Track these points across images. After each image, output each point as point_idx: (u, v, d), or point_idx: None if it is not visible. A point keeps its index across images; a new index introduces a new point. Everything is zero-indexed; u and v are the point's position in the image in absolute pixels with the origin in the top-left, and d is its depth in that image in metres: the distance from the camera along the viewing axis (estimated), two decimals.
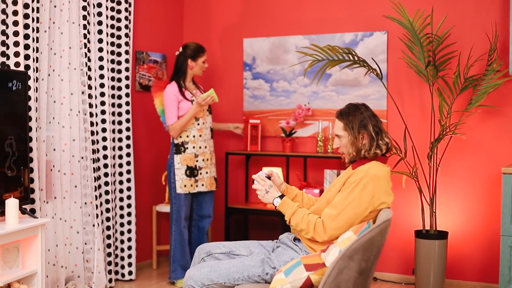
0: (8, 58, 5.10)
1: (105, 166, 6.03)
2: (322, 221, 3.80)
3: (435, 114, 6.00)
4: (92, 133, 5.86)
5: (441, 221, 6.15)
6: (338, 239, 3.56)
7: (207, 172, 6.22)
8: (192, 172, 6.10)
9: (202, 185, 6.19)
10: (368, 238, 3.39)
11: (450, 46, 6.00)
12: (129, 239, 6.34)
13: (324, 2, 6.71)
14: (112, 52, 6.19)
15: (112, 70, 6.19)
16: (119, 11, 6.24)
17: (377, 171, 3.82)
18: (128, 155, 6.32)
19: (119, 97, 6.28)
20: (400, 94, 6.35)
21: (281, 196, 3.98)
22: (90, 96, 5.83)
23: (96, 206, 5.85)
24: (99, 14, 5.99)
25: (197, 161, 6.13)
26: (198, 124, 6.14)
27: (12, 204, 4.62)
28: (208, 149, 6.22)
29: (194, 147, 6.11)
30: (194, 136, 6.11)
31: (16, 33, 5.10)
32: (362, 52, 6.43)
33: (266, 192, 4.00)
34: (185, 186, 6.09)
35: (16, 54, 5.10)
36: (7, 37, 5.10)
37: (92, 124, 5.86)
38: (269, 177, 4.10)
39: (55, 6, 5.58)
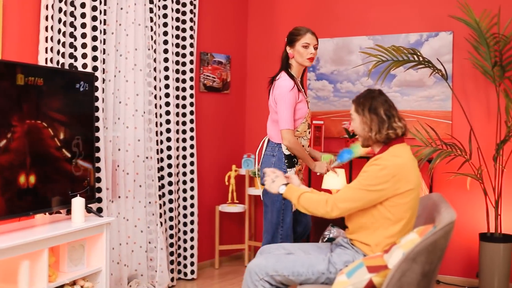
0: (76, 59, 5.20)
1: (169, 166, 6.10)
2: (334, 195, 3.82)
3: (501, 115, 5.92)
4: (157, 133, 5.93)
5: (507, 224, 6.05)
6: (401, 241, 3.53)
7: None
8: None
9: None
10: (432, 240, 3.37)
11: None
12: (192, 239, 6.39)
13: (389, 3, 6.66)
14: (177, 54, 6.26)
15: (177, 71, 6.26)
16: (184, 13, 6.30)
17: (395, 158, 3.78)
18: (191, 155, 6.37)
19: (184, 98, 6.34)
20: (466, 95, 6.27)
21: (287, 185, 4.00)
22: (155, 97, 5.90)
23: (160, 205, 5.92)
24: (165, 16, 6.06)
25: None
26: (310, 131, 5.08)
27: (78, 202, 4.70)
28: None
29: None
30: (303, 146, 4.99)
31: (83, 35, 5.20)
32: (427, 53, 6.37)
33: (272, 182, 4.03)
34: None
35: (84, 56, 5.20)
36: (75, 39, 5.20)
37: (156, 124, 5.93)
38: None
39: (121, 9, 5.67)
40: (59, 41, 5.06)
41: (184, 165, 6.37)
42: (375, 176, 3.73)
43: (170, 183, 6.12)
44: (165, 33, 6.07)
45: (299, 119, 4.89)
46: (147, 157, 5.88)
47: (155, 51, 5.92)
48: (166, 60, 6.07)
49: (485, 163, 5.98)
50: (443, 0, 6.35)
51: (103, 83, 5.43)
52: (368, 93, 3.98)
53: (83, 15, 5.20)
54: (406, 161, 3.80)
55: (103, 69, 5.44)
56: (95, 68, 5.30)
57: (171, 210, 6.13)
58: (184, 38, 6.32)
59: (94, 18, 5.30)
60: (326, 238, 4.17)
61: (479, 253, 5.83)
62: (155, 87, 5.91)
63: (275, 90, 4.88)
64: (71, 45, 5.20)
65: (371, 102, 3.91)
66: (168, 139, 6.08)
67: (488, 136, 6.08)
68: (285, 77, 4.88)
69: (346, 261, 3.85)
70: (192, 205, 6.39)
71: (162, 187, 6.05)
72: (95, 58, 5.30)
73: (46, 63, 4.98)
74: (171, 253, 6.15)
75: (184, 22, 6.32)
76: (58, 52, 5.06)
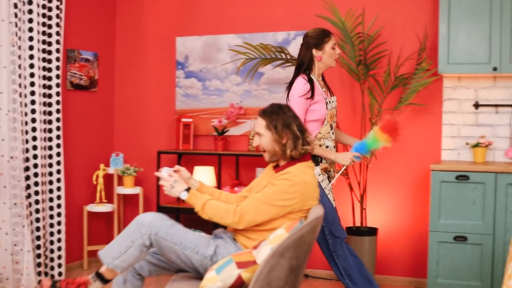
0: None
1: (35, 166, 5.95)
2: (241, 206, 3.79)
3: (365, 112, 6.08)
4: (22, 132, 5.78)
5: (371, 218, 6.24)
6: (270, 237, 3.57)
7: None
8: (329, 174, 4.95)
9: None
10: (299, 235, 3.42)
11: (381, 46, 6.10)
12: (59, 240, 6.26)
13: (257, 2, 6.73)
14: (43, 50, 6.11)
15: (43, 68, 6.11)
16: (50, 9, 6.16)
17: (305, 175, 3.83)
18: (58, 154, 6.23)
19: (50, 96, 6.20)
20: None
21: (188, 190, 3.91)
22: (20, 95, 5.74)
23: (26, 206, 5.77)
24: (30, 11, 5.90)
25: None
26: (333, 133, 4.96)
27: None
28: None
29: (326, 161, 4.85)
30: (328, 147, 4.88)
31: None
32: (295, 51, 6.44)
33: (171, 187, 3.93)
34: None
35: None
36: None
37: (21, 123, 5.77)
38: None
39: None
40: None
41: (51, 165, 6.23)
42: (284, 191, 3.74)
43: (36, 184, 5.97)
44: (31, 29, 5.92)
45: (318, 121, 4.77)
46: (12, 157, 5.72)
47: (19, 47, 5.76)
48: (31, 57, 5.92)
49: None
50: (310, 0, 6.46)
51: None
52: (279, 108, 3.92)
53: None
54: (313, 179, 3.86)
55: None
56: None
57: (38, 211, 5.98)
58: (50, 35, 6.18)
59: None
60: None
61: None
62: (19, 85, 5.75)
63: (291, 90, 4.77)
64: None
65: (284, 117, 3.88)
66: (34, 138, 5.93)
67: (353, 133, 6.23)
68: (302, 80, 4.76)
69: (228, 253, 3.82)
70: (59, 206, 6.25)
71: (28, 187, 5.90)
72: None
73: None
74: (38, 255, 6.01)
75: (50, 18, 6.17)
76: None
